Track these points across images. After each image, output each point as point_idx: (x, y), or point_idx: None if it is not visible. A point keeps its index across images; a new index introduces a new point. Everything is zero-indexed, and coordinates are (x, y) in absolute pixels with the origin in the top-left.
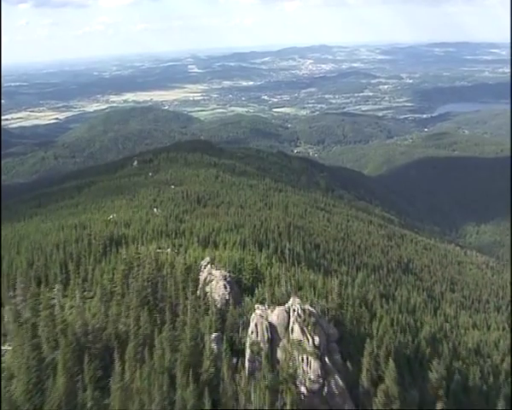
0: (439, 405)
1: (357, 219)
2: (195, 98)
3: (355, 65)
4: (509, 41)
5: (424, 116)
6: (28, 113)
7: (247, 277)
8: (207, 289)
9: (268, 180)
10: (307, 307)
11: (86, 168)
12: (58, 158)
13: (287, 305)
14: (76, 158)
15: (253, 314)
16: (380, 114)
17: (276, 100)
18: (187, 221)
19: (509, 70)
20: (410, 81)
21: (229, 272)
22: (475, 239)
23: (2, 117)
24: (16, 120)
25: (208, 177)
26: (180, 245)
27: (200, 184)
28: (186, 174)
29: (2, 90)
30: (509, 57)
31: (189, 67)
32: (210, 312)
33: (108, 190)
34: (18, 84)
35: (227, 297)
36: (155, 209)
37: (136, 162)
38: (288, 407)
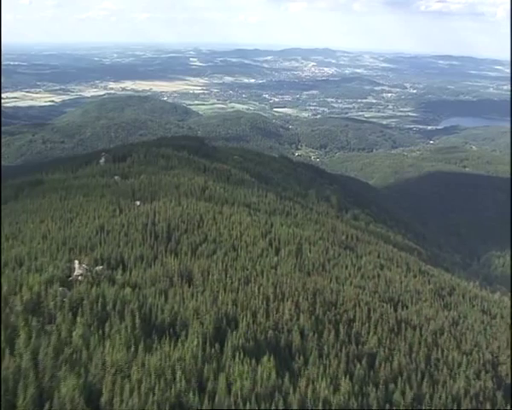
0: None
1: (391, 262)
2: (195, 92)
3: (358, 71)
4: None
5: (429, 128)
6: (24, 93)
7: None
8: None
9: (271, 197)
10: None
11: (46, 160)
12: (46, 142)
13: None
14: (65, 143)
15: None
16: (383, 122)
17: (277, 100)
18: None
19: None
20: (414, 91)
21: None
22: (501, 271)
23: None
24: (11, 99)
25: (193, 189)
26: None
27: (180, 200)
28: (163, 183)
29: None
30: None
31: (191, 59)
32: None
33: (48, 200)
34: (17, 63)
35: None
36: (77, 264)
37: (103, 159)
38: None
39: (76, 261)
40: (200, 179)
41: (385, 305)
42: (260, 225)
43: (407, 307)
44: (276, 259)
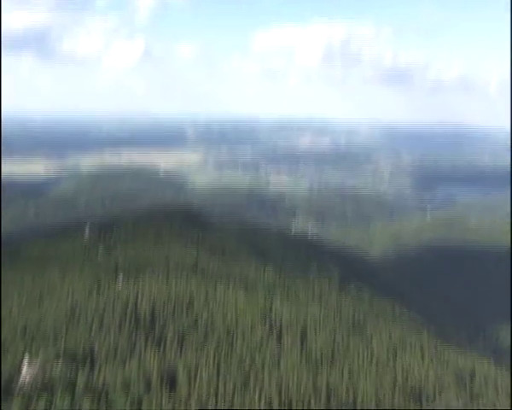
0: None
1: (404, 344)
2: (191, 162)
3: (354, 142)
4: (506, 128)
5: (426, 198)
6: (20, 163)
7: None
8: None
9: (270, 271)
10: None
11: (37, 230)
12: (39, 211)
13: None
14: (58, 213)
15: None
16: (380, 192)
17: (273, 171)
18: None
19: (508, 157)
20: (410, 162)
21: None
22: (509, 345)
23: None
24: (7, 167)
25: (183, 263)
26: None
27: (168, 276)
28: (151, 256)
29: None
30: (509, 144)
31: (188, 131)
32: None
33: (19, 274)
34: (14, 133)
35: None
36: (26, 363)
37: (88, 230)
38: None
39: (25, 359)
40: (193, 252)
41: (409, 403)
42: (259, 305)
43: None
44: (278, 348)
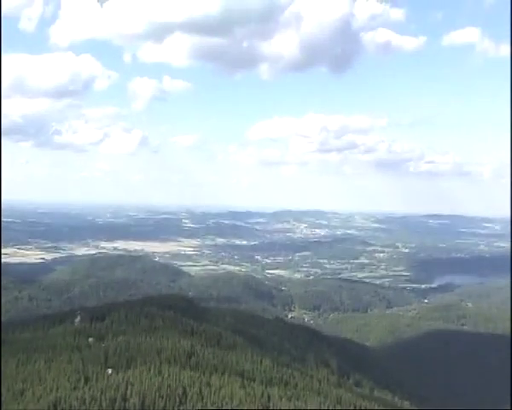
0: None
1: None
2: (187, 253)
3: (350, 232)
4: (501, 216)
5: (423, 286)
6: (15, 249)
7: None
8: None
9: (267, 363)
10: None
11: (30, 318)
12: (33, 299)
13: None
14: (52, 301)
15: None
16: (377, 282)
17: (269, 261)
18: None
19: (504, 244)
20: (406, 251)
21: None
22: None
23: None
24: (2, 255)
25: (177, 355)
26: None
27: (161, 368)
28: (143, 347)
29: None
30: (504, 232)
31: (184, 221)
32: None
33: (2, 365)
34: (10, 220)
35: None
36: None
37: (78, 318)
38: None
39: None
40: (187, 343)
41: None
42: (256, 400)
43: None
44: None
